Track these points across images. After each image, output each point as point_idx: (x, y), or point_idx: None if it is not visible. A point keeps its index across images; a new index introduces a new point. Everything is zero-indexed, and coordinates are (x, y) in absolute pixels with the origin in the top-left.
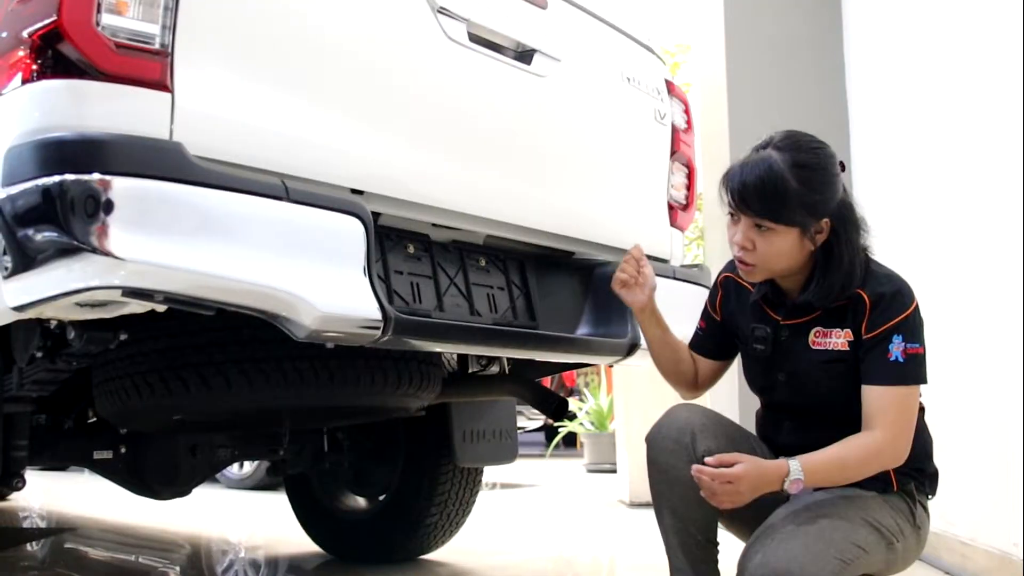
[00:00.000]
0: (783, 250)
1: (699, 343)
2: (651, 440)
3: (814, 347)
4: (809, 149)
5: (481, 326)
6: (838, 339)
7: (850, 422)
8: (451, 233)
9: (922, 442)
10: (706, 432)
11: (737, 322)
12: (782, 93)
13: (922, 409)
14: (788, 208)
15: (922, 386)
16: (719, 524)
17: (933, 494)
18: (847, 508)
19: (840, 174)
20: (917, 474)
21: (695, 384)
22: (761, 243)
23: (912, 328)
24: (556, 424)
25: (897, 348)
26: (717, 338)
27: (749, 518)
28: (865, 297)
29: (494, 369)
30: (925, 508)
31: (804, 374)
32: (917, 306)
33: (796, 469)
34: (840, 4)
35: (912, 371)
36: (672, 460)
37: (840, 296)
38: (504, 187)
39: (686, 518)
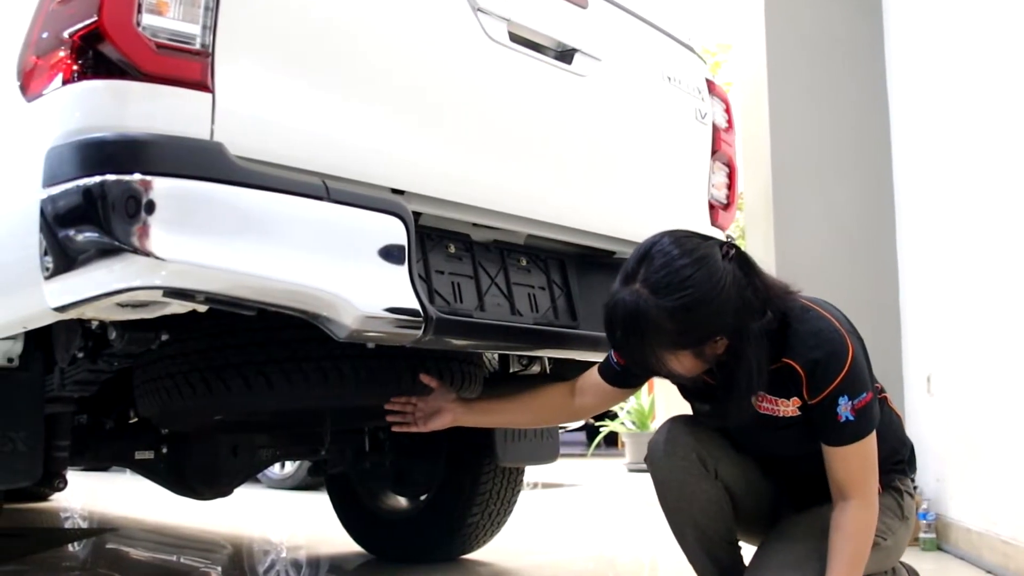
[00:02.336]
0: (683, 373)
1: (611, 373)
2: (655, 460)
3: (761, 412)
4: (680, 284)
5: (522, 326)
6: (786, 407)
7: (818, 456)
8: (492, 233)
9: (892, 431)
10: (710, 444)
11: (672, 381)
12: (823, 92)
13: (883, 398)
14: (660, 362)
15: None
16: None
17: (914, 470)
18: (826, 526)
19: (727, 283)
20: (896, 465)
21: (575, 414)
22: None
23: (854, 382)
24: (597, 424)
25: (845, 408)
26: (631, 375)
27: (762, 526)
28: (798, 368)
29: (535, 369)
30: (911, 493)
31: (760, 437)
32: (854, 354)
33: None
34: (881, 3)
35: (865, 424)
36: (684, 476)
37: (754, 391)
38: (545, 187)
39: (709, 528)
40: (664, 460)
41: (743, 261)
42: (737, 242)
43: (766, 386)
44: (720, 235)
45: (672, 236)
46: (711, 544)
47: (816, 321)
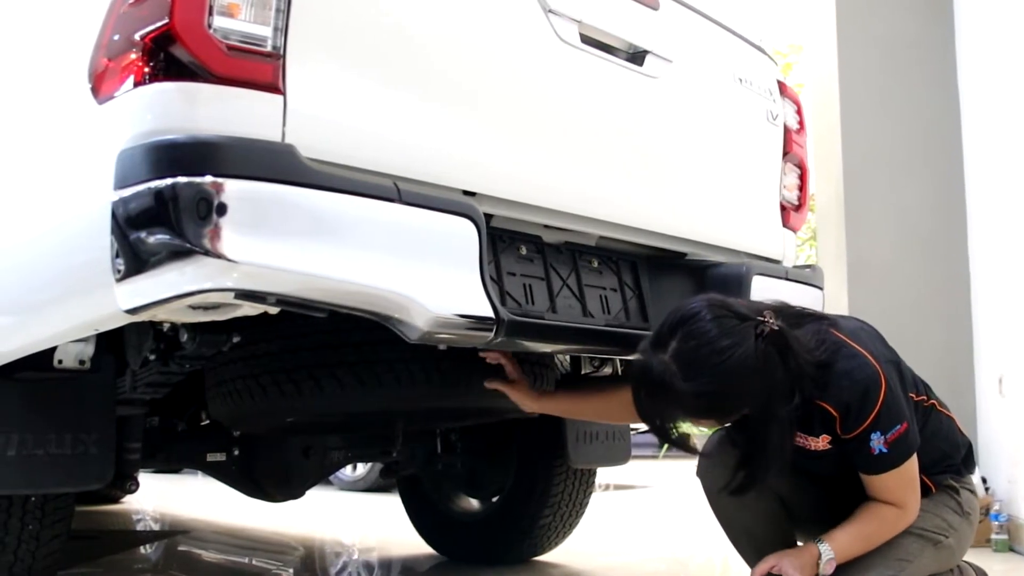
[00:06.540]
0: (706, 429)
1: None
2: (705, 475)
3: (795, 443)
4: (710, 369)
5: (594, 327)
6: (817, 443)
7: (852, 481)
8: (563, 235)
9: (942, 436)
10: None
11: None
12: (894, 93)
13: (931, 405)
14: (680, 424)
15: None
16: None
17: (971, 469)
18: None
19: (757, 367)
20: (949, 468)
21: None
22: None
23: (887, 418)
24: None
25: (878, 442)
26: None
27: (823, 528)
28: (830, 409)
29: (607, 370)
30: (971, 490)
31: (793, 463)
32: (886, 390)
33: (826, 551)
34: (952, 3)
35: (901, 453)
36: None
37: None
38: (616, 188)
39: (763, 537)
40: (713, 471)
41: (779, 339)
42: (807, 244)
43: (797, 427)
44: (791, 238)
45: (712, 311)
46: (767, 552)
47: (848, 360)
